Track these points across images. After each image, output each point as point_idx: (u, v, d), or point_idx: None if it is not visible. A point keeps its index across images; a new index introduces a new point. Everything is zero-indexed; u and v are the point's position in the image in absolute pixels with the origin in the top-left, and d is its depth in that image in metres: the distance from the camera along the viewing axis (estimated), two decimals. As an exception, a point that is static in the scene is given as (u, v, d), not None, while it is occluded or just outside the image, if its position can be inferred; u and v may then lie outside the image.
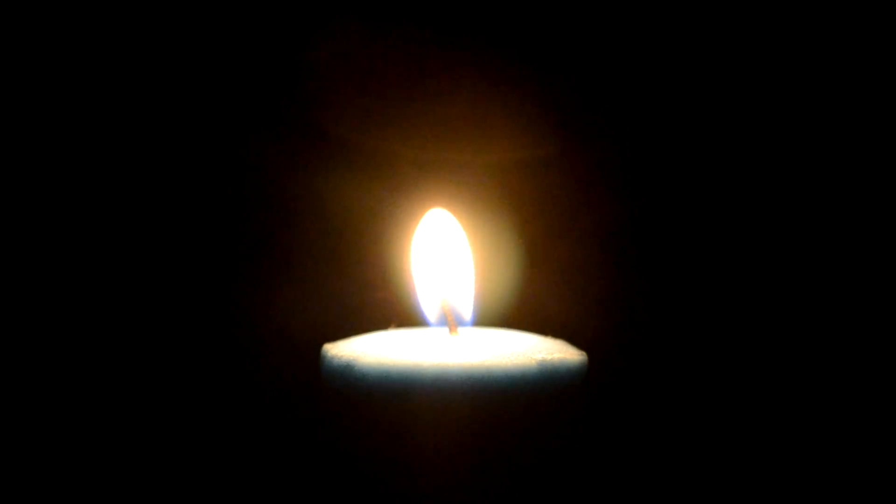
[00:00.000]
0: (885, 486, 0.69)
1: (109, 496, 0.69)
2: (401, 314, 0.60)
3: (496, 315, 0.61)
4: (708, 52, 0.72)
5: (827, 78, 0.72)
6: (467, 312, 0.57)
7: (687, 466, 0.71)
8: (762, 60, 0.72)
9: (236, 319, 0.72)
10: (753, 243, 0.73)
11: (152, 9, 0.71)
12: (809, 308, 0.72)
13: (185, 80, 0.72)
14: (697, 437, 0.71)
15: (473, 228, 0.67)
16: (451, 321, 0.55)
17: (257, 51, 0.73)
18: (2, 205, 0.71)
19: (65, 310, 0.71)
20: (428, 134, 0.73)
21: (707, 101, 0.73)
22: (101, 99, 0.72)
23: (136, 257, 0.72)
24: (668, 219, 0.73)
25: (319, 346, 0.54)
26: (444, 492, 0.50)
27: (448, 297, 0.56)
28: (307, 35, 0.72)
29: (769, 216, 0.73)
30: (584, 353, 0.53)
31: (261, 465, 0.70)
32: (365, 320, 0.59)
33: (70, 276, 0.71)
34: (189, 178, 0.73)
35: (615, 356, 0.68)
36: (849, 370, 0.71)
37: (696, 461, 0.71)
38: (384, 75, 0.73)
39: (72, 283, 0.71)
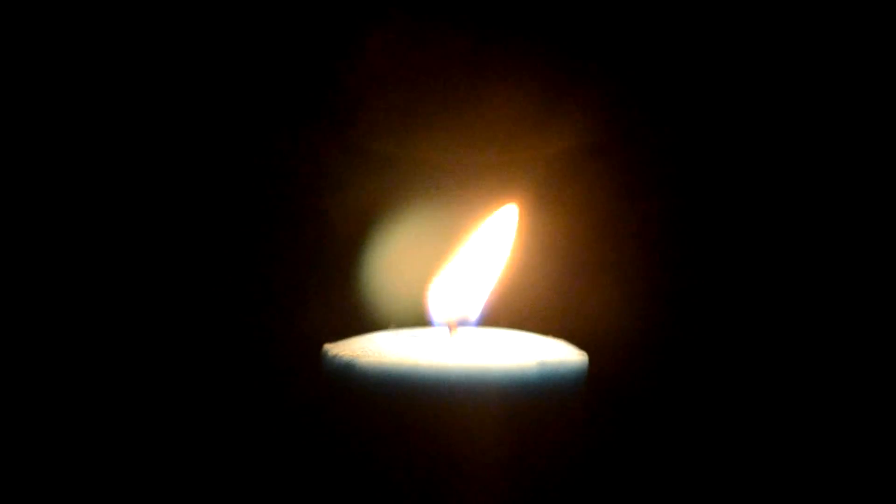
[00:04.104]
0: (885, 486, 0.69)
1: (110, 496, 0.69)
2: (401, 314, 0.60)
3: (496, 315, 0.61)
4: (754, 51, 0.72)
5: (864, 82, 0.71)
6: (473, 313, 0.57)
7: (687, 467, 0.71)
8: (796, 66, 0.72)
9: (237, 319, 0.73)
10: (754, 245, 0.73)
11: (192, 13, 0.72)
12: (811, 306, 0.72)
13: (209, 79, 0.72)
14: (698, 438, 0.71)
15: (473, 229, 0.67)
16: (451, 321, 0.55)
17: (285, 47, 0.73)
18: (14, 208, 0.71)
19: (68, 307, 0.71)
20: (435, 133, 0.73)
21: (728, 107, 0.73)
22: (126, 101, 0.72)
23: (140, 257, 0.72)
24: (668, 221, 0.73)
25: (319, 346, 0.54)
26: (444, 492, 0.50)
27: (454, 296, 0.56)
28: (341, 33, 0.72)
29: (770, 219, 0.73)
30: (584, 354, 0.53)
31: (261, 464, 0.70)
32: (365, 320, 0.59)
33: (73, 274, 0.71)
34: (194, 178, 0.73)
35: (616, 356, 0.68)
36: (849, 374, 0.71)
37: (697, 462, 0.71)
38: (408, 73, 0.73)
39: (74, 281, 0.71)
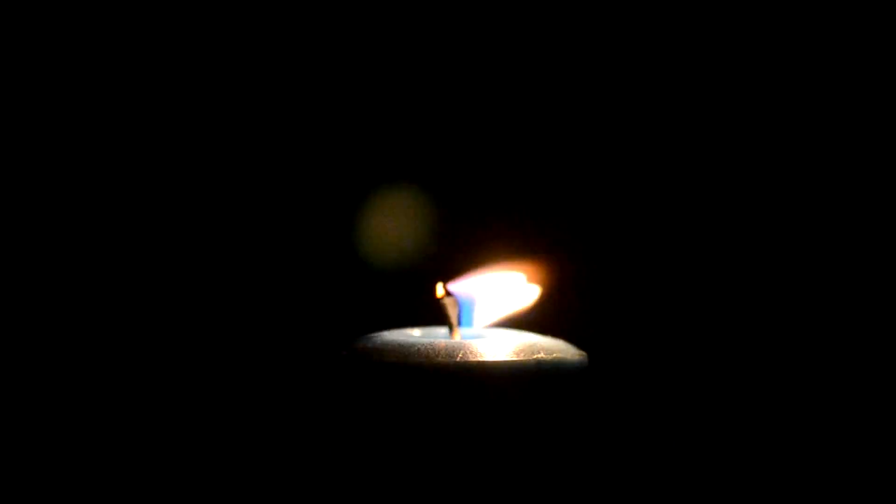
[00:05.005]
0: (885, 486, 0.69)
1: (114, 494, 0.69)
2: (403, 313, 0.60)
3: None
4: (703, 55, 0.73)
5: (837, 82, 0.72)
6: (472, 312, 0.57)
7: (687, 466, 0.71)
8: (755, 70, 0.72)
9: (241, 319, 0.73)
10: (753, 244, 0.73)
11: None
12: (809, 305, 0.72)
13: (213, 79, 0.73)
14: (697, 437, 0.71)
15: (475, 229, 0.68)
16: (450, 320, 0.56)
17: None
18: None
19: (77, 309, 0.71)
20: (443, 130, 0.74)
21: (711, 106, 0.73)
22: (126, 101, 0.72)
23: (145, 259, 0.72)
24: (667, 219, 0.74)
25: (325, 345, 0.54)
26: (444, 491, 0.50)
27: (453, 296, 0.56)
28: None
29: (768, 217, 0.73)
30: (584, 353, 0.53)
31: (264, 464, 0.70)
32: (366, 320, 0.59)
33: (83, 276, 0.72)
34: (199, 179, 0.73)
35: (615, 356, 0.68)
36: (848, 371, 0.71)
37: (696, 461, 0.71)
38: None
39: (84, 283, 0.72)
